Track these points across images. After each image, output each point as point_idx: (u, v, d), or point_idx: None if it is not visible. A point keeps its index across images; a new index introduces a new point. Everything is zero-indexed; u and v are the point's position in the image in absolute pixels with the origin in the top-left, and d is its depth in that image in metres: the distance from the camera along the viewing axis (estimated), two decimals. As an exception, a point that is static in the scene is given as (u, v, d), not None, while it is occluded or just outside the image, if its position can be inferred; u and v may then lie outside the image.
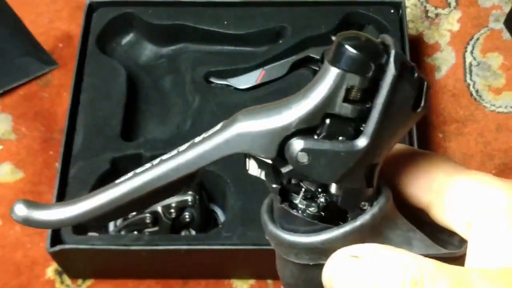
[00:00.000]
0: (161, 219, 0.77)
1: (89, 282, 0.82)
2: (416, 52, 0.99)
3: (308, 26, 0.91)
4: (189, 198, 0.77)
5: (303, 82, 0.97)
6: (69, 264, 0.79)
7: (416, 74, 0.27)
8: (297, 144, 0.27)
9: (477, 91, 0.96)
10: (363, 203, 0.29)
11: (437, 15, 1.04)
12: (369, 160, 0.28)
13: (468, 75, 0.98)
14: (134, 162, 0.82)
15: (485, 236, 0.28)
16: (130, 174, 0.30)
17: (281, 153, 0.28)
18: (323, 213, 0.29)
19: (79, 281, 0.82)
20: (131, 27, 0.95)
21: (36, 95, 0.96)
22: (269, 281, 0.82)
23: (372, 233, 0.28)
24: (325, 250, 0.28)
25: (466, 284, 0.26)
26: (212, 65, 0.91)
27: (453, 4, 1.04)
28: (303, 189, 0.29)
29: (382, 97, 0.27)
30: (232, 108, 0.87)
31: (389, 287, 0.26)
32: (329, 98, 0.27)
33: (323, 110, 0.27)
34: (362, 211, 0.28)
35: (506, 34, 1.01)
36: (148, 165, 0.29)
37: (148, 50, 0.96)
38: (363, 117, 0.27)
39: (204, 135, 0.29)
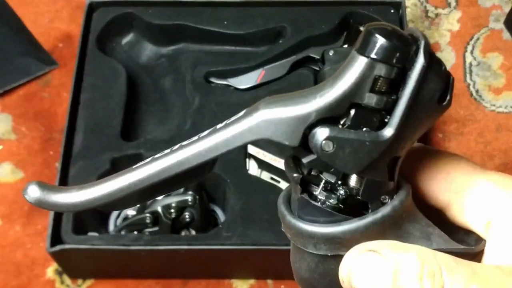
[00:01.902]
0: (161, 219, 0.77)
1: (89, 282, 0.82)
2: (416, 52, 0.99)
3: (308, 26, 0.91)
4: (189, 198, 0.77)
5: (303, 82, 0.98)
6: (69, 264, 0.79)
7: (443, 67, 0.27)
8: (322, 132, 0.27)
9: (477, 91, 0.96)
10: (383, 196, 0.29)
11: (437, 15, 1.04)
12: (393, 152, 0.28)
13: (468, 75, 0.98)
14: (134, 162, 0.81)
15: (503, 235, 0.28)
16: (148, 159, 0.29)
17: (304, 142, 0.28)
18: (342, 206, 0.29)
19: (79, 281, 0.82)
20: (131, 27, 0.95)
21: (36, 95, 0.96)
22: (269, 281, 0.82)
23: (393, 226, 0.28)
24: (345, 241, 0.28)
25: (482, 278, 0.26)
26: (212, 65, 0.91)
27: (453, 4, 1.04)
28: (323, 181, 0.29)
29: (410, 86, 0.27)
30: (232, 108, 0.87)
31: (408, 278, 0.26)
32: (356, 87, 0.27)
33: (349, 99, 0.27)
34: (383, 204, 0.28)
35: (506, 34, 1.01)
36: (167, 151, 0.29)
37: (148, 50, 0.96)
38: (388, 109, 0.27)
39: (226, 121, 0.29)
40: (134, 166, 0.29)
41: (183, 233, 0.79)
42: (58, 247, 0.73)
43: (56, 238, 0.74)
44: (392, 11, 0.92)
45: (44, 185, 0.29)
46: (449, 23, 1.03)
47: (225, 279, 0.82)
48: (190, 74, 0.90)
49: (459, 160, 0.31)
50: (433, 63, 0.27)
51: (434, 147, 0.91)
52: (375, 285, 0.26)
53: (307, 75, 0.89)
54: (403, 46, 0.26)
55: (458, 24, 1.03)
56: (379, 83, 0.27)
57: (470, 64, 0.99)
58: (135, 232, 0.78)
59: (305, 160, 0.29)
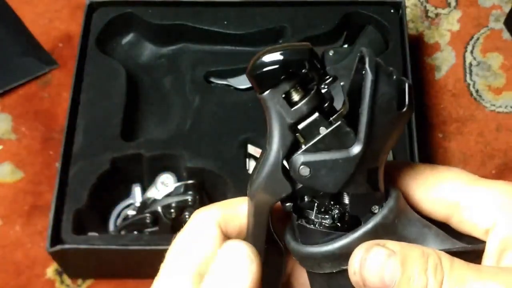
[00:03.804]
0: (161, 219, 0.77)
1: (89, 282, 0.82)
2: (416, 52, 0.99)
3: (308, 26, 0.91)
4: (189, 198, 0.77)
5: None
6: (69, 264, 0.79)
7: (395, 76, 0.29)
8: (296, 160, 0.29)
9: (477, 91, 0.96)
10: (373, 207, 0.30)
11: (437, 15, 1.04)
12: (367, 165, 0.29)
13: (468, 75, 0.98)
14: (134, 162, 0.82)
15: (500, 240, 0.30)
16: None
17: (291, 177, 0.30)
18: (339, 224, 0.30)
19: (79, 281, 0.82)
20: (131, 27, 0.95)
21: (36, 95, 0.96)
22: (269, 281, 0.82)
23: (386, 233, 0.30)
24: (344, 256, 0.30)
25: (477, 268, 0.28)
26: (212, 65, 0.91)
27: (453, 4, 1.04)
28: (316, 204, 0.30)
29: (366, 102, 0.28)
30: (232, 108, 0.87)
31: (414, 270, 0.28)
32: (280, 116, 0.29)
33: (285, 126, 0.29)
34: (374, 215, 0.30)
35: (506, 34, 1.01)
36: None
37: (148, 50, 0.96)
38: (323, 98, 0.29)
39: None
40: None
41: (183, 233, 0.79)
42: (58, 247, 0.73)
43: (56, 238, 0.74)
44: (392, 11, 0.92)
45: None
46: (449, 23, 1.03)
47: (225, 279, 0.82)
48: (190, 74, 0.90)
49: (451, 172, 0.32)
50: (382, 74, 0.28)
51: (433, 147, 0.91)
52: (385, 275, 0.28)
53: (307, 75, 0.89)
54: (281, 61, 0.29)
55: (458, 24, 1.02)
56: (291, 96, 0.29)
57: (470, 64, 0.99)
58: (135, 232, 0.78)
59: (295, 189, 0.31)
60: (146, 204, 0.80)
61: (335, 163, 0.29)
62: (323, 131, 0.29)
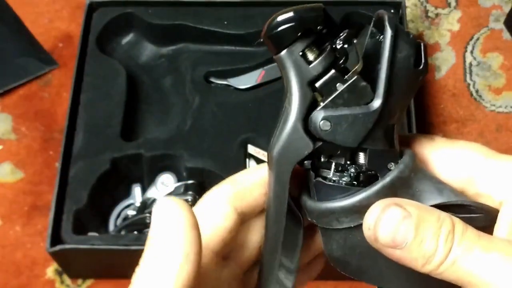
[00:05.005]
0: (161, 219, 0.77)
1: (89, 282, 0.82)
2: (416, 52, 0.99)
3: (308, 26, 0.91)
4: (189, 198, 0.77)
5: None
6: (69, 264, 0.79)
7: (411, 35, 0.30)
8: (317, 115, 0.30)
9: (477, 91, 0.96)
10: (390, 164, 0.31)
11: (437, 15, 1.04)
12: (386, 120, 0.30)
13: (468, 75, 0.98)
14: (134, 162, 0.82)
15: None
16: None
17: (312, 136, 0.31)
18: (355, 182, 0.31)
19: (79, 281, 0.82)
20: (131, 27, 0.95)
21: (36, 95, 0.96)
22: (269, 281, 0.82)
23: (403, 186, 0.30)
24: (363, 209, 0.30)
25: (487, 239, 0.29)
26: (212, 65, 0.91)
27: (453, 4, 1.04)
28: (333, 164, 0.31)
29: (385, 57, 0.29)
30: (232, 108, 0.87)
31: (427, 234, 0.28)
32: (298, 73, 0.30)
33: (304, 84, 0.30)
34: (390, 171, 0.31)
35: (506, 34, 1.01)
36: None
37: (148, 50, 0.96)
38: (338, 55, 0.30)
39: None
40: None
41: (183, 233, 0.79)
42: (58, 247, 0.73)
43: (56, 238, 0.74)
44: (392, 11, 0.92)
45: None
46: (449, 23, 1.03)
47: (225, 279, 0.82)
48: (190, 74, 0.90)
49: (470, 145, 0.33)
50: (400, 33, 0.29)
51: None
52: (398, 235, 0.28)
53: (307, 75, 0.89)
54: (296, 18, 0.30)
55: (458, 24, 1.03)
56: (307, 54, 0.30)
57: (470, 64, 0.99)
58: (135, 232, 0.78)
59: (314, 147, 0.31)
60: (146, 204, 0.80)
61: (355, 118, 0.30)
62: (340, 87, 0.30)
